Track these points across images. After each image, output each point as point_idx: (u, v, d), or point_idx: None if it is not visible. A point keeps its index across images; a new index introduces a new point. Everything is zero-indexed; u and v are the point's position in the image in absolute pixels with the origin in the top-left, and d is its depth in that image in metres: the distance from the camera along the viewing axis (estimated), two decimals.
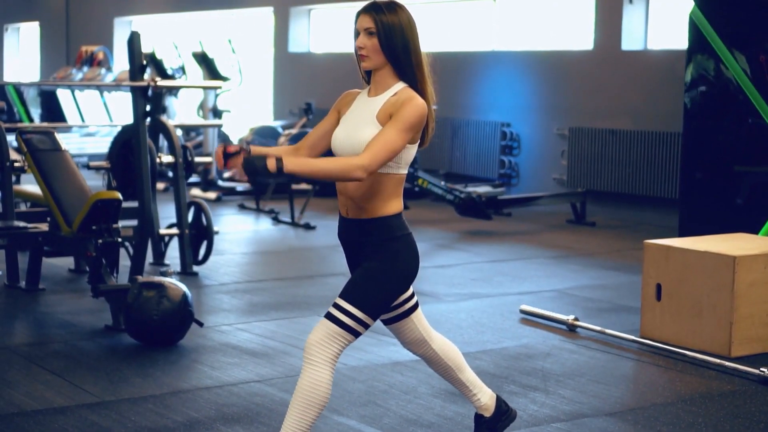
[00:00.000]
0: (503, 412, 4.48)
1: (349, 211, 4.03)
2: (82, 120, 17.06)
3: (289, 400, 5.14)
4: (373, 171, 3.79)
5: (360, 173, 3.76)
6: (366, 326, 3.96)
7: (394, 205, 3.98)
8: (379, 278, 3.96)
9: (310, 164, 3.79)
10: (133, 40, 7.92)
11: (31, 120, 16.72)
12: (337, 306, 3.94)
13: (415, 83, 3.96)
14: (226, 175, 13.29)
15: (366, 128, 3.90)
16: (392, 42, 3.91)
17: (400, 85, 3.96)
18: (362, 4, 4.00)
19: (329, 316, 3.93)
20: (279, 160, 3.72)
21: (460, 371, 4.40)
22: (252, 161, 3.73)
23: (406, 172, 4.00)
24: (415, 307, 4.27)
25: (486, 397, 4.46)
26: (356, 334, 3.95)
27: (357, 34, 3.96)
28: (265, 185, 12.65)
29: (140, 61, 7.94)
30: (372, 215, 3.96)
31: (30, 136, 7.66)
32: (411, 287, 4.21)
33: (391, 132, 3.81)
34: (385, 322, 4.26)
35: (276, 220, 11.48)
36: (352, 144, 3.90)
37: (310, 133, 4.15)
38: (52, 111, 17.24)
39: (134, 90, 7.90)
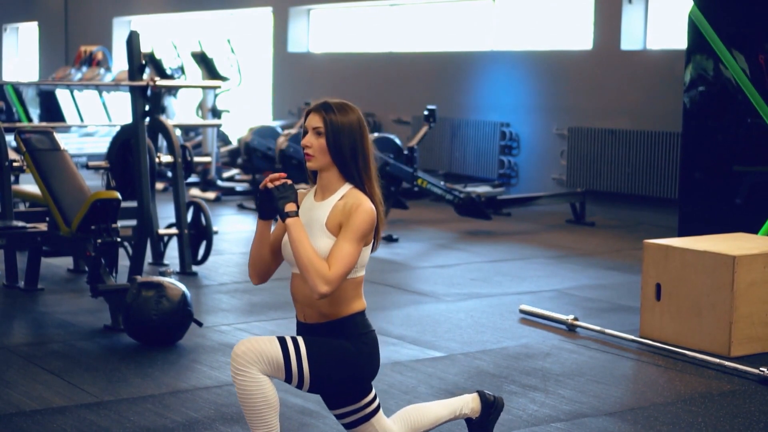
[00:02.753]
0: (490, 405, 4.39)
1: (307, 318, 3.95)
2: (81, 120, 17.05)
3: (287, 400, 5.15)
4: (333, 291, 3.73)
5: (320, 290, 3.70)
6: (300, 384, 3.83)
7: (356, 305, 3.91)
8: (341, 357, 3.86)
9: (303, 241, 3.75)
10: (132, 40, 7.92)
11: (29, 120, 16.71)
12: (295, 342, 3.84)
13: (362, 186, 3.87)
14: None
15: (317, 239, 3.83)
16: (339, 143, 3.83)
17: (347, 188, 3.88)
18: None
19: (282, 342, 3.82)
20: (295, 213, 3.77)
21: (439, 420, 4.29)
22: (292, 190, 3.82)
23: (363, 274, 3.92)
24: (377, 409, 4.10)
25: (470, 405, 4.37)
26: (289, 379, 3.83)
27: (305, 132, 3.89)
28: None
29: (139, 61, 7.94)
30: (335, 317, 3.89)
31: (29, 135, 7.65)
32: (373, 390, 4.08)
33: (346, 246, 3.75)
34: (346, 427, 4.11)
35: (275, 220, 11.45)
36: None
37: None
38: (51, 111, 17.23)
39: (133, 90, 7.90)
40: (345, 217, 3.80)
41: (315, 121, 3.87)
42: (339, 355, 3.86)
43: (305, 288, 3.86)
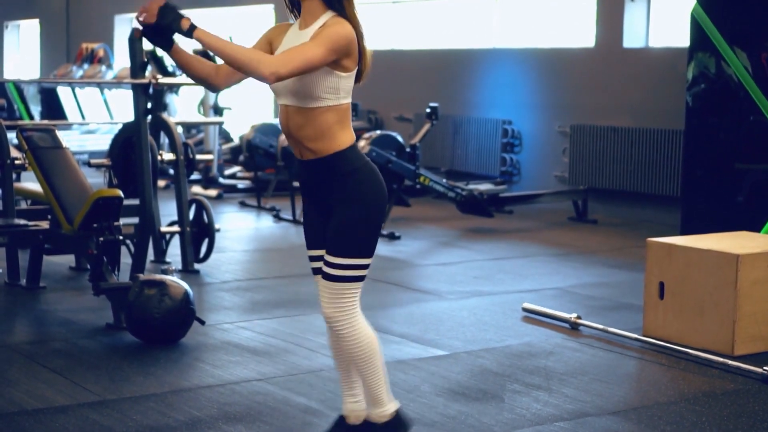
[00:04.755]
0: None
1: (303, 153, 4.00)
2: (83, 117, 17.03)
3: (291, 399, 5.14)
4: (282, 76, 3.73)
5: (266, 71, 3.69)
6: (367, 266, 3.99)
7: (344, 138, 3.95)
8: (357, 220, 3.95)
9: (223, 42, 3.69)
10: (135, 37, 7.91)
11: (31, 117, 16.70)
12: (330, 264, 3.96)
13: (344, 12, 3.92)
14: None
15: None
16: None
17: (329, 15, 3.94)
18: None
19: (329, 278, 3.97)
20: (193, 25, 3.69)
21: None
22: (169, 9, 3.67)
23: (347, 101, 3.95)
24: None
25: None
26: (362, 278, 4.01)
27: None
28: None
29: (141, 58, 7.93)
30: (325, 153, 3.94)
31: (31, 133, 7.64)
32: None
33: (308, 44, 3.79)
34: (325, 276, 4.06)
35: (277, 217, 11.46)
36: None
37: None
38: (53, 108, 17.22)
39: (135, 87, 7.89)
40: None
41: None
42: (356, 225, 3.95)
43: (290, 120, 3.94)
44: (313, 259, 4.17)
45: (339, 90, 3.90)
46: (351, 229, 3.96)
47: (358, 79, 4.01)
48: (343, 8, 3.93)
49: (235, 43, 3.75)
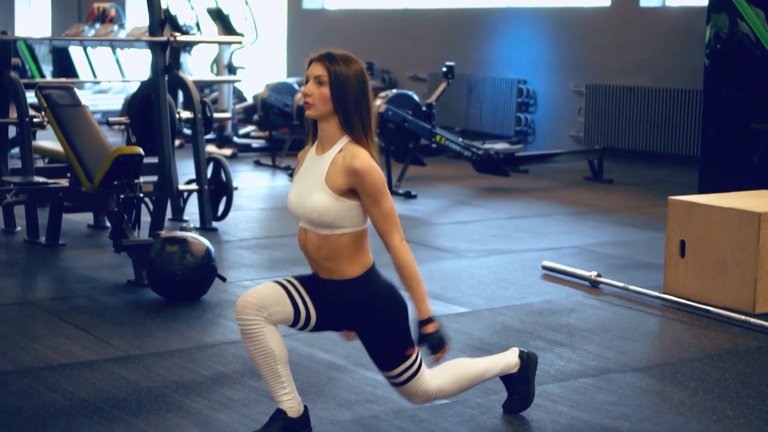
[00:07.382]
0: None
1: (319, 271, 4.00)
2: (95, 76, 17.01)
3: (315, 355, 5.16)
4: (402, 235, 3.88)
5: (399, 242, 3.87)
6: (418, 354, 4.04)
7: (361, 262, 3.94)
8: (391, 337, 4.00)
9: (420, 288, 3.90)
10: None
11: (42, 77, 16.68)
12: (392, 377, 4.06)
13: (365, 137, 3.87)
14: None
15: (316, 193, 3.85)
16: (344, 93, 3.83)
17: (345, 140, 3.88)
18: None
19: (399, 385, 4.07)
20: (429, 318, 3.93)
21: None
22: (439, 336, 3.96)
23: (360, 229, 3.91)
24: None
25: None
26: (421, 364, 4.06)
27: (306, 81, 3.90)
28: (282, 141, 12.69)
29: (159, 16, 7.90)
30: (341, 276, 3.94)
31: (49, 91, 7.63)
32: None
33: (385, 204, 3.84)
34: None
35: (292, 176, 11.45)
36: (305, 208, 3.88)
37: None
38: (64, 68, 17.19)
39: (153, 45, 7.87)
40: (347, 177, 3.81)
41: (317, 69, 3.86)
42: (390, 337, 4.01)
43: (308, 241, 3.95)
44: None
45: (357, 217, 3.88)
46: (390, 346, 4.01)
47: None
48: (364, 133, 3.87)
49: (413, 276, 3.90)
